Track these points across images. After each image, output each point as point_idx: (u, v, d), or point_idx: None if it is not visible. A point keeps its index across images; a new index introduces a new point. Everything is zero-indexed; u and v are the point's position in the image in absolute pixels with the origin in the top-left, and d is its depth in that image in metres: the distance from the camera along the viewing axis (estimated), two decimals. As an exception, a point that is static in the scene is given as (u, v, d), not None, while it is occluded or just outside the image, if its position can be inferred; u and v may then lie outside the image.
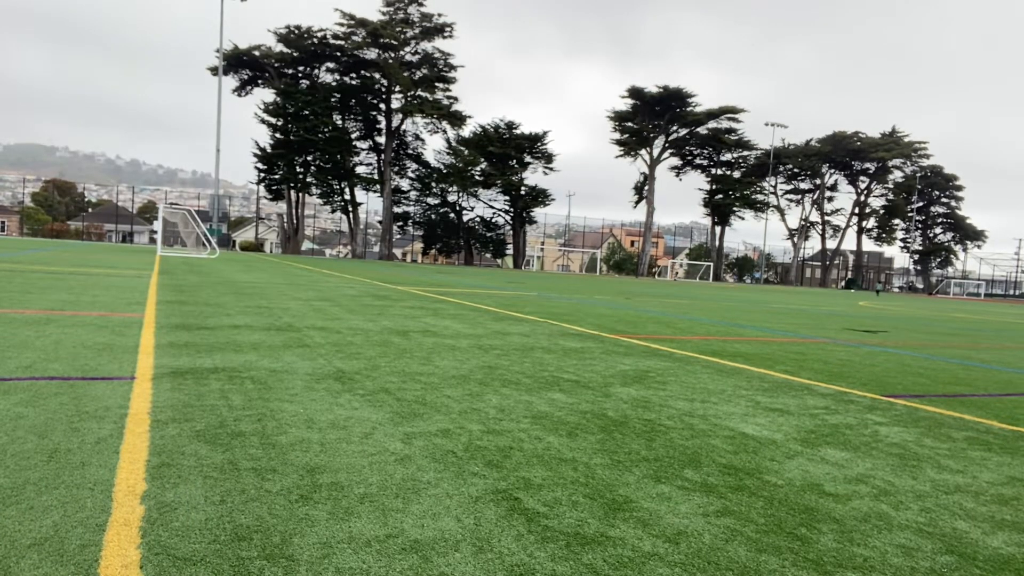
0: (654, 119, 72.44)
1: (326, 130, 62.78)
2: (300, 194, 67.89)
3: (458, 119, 66.62)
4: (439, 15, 64.09)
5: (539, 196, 72.58)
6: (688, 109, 71.92)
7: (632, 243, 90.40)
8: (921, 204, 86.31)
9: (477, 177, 69.83)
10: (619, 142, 73.92)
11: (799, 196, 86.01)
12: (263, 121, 64.22)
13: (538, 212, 75.94)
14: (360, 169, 68.57)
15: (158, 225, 34.90)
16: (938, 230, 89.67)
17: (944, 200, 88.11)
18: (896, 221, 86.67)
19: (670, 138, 74.56)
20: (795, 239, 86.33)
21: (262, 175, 66.87)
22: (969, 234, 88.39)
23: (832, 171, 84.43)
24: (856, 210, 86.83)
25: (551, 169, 72.31)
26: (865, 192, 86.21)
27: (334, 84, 65.74)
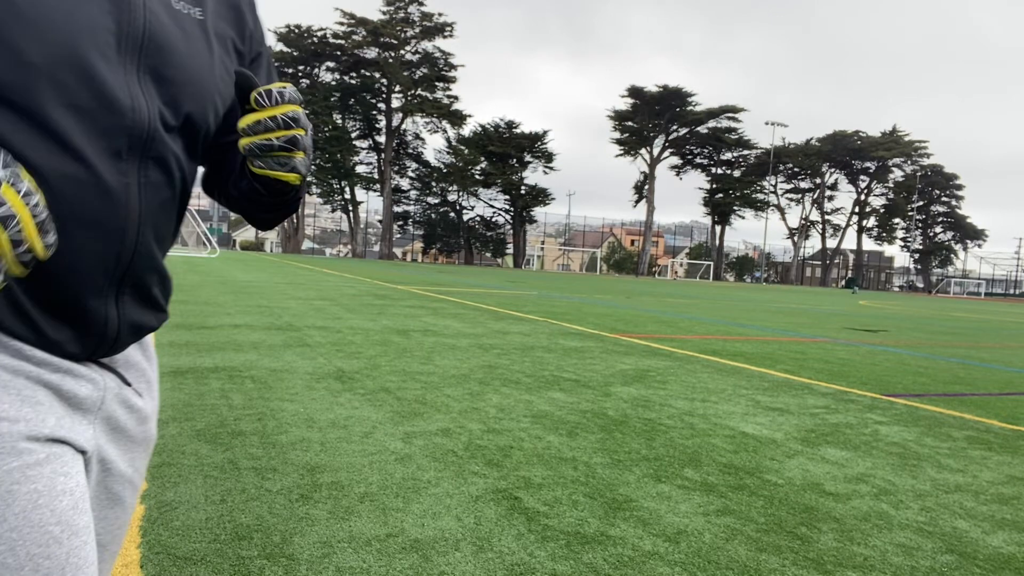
0: (654, 118, 72.41)
1: (326, 129, 62.73)
2: (300, 193, 67.91)
3: (458, 118, 66.61)
4: (439, 14, 64.10)
5: (539, 195, 72.57)
6: (688, 108, 71.90)
7: (632, 242, 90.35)
8: (921, 203, 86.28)
9: (477, 176, 69.80)
10: (619, 141, 73.86)
11: (799, 195, 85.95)
12: (263, 120, 64.21)
13: (538, 211, 75.94)
14: (360, 168, 68.52)
15: (158, 224, 34.88)
16: (938, 229, 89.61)
17: (944, 199, 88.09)
18: (896, 220, 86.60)
19: (670, 137, 74.52)
20: (795, 238, 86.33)
21: (262, 174, 66.86)
22: (969, 233, 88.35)
23: (832, 170, 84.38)
24: (856, 209, 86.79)
25: (551, 168, 72.31)
26: (865, 191, 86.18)
27: (334, 83, 65.70)
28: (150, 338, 0.92)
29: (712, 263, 75.46)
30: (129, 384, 0.85)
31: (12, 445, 0.70)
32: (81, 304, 0.76)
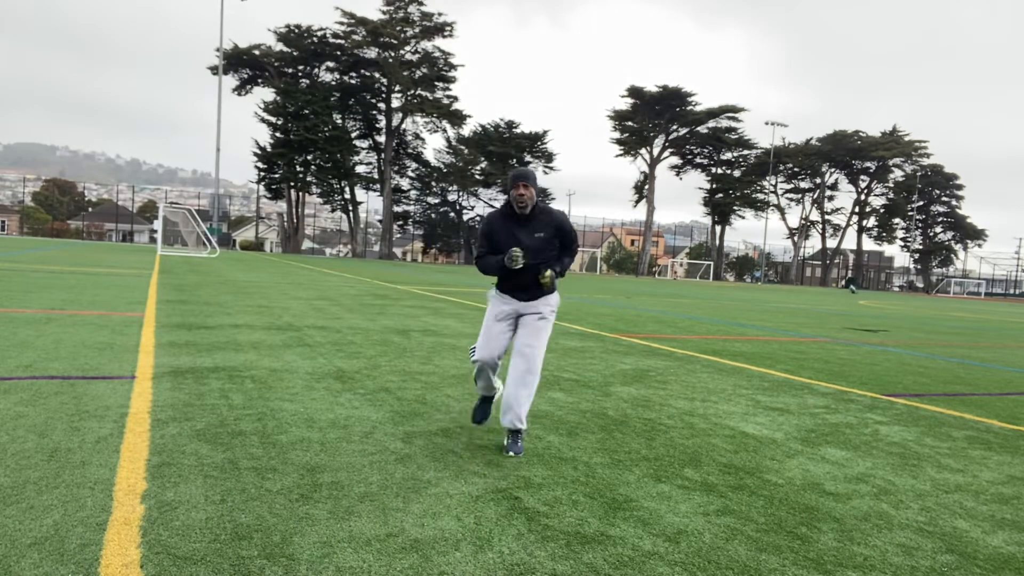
0: (654, 118, 72.41)
1: (326, 129, 62.71)
2: (300, 193, 67.86)
3: (458, 118, 66.59)
4: (439, 14, 64.08)
5: (539, 195, 72.58)
6: (688, 108, 71.91)
7: (632, 242, 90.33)
8: (921, 203, 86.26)
9: (477, 176, 69.83)
10: (619, 141, 73.87)
11: (799, 195, 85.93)
12: (263, 120, 64.19)
13: (538, 211, 75.77)
14: (360, 168, 68.50)
15: (158, 224, 34.87)
16: (938, 229, 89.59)
17: (944, 199, 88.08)
18: (896, 220, 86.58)
19: (670, 137, 74.51)
20: (795, 238, 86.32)
21: (262, 174, 66.84)
22: (969, 233, 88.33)
23: (832, 170, 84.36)
24: (856, 209, 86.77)
25: (551, 168, 72.35)
26: (865, 191, 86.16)
27: (334, 83, 65.68)
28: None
29: (712, 263, 75.43)
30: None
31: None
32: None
